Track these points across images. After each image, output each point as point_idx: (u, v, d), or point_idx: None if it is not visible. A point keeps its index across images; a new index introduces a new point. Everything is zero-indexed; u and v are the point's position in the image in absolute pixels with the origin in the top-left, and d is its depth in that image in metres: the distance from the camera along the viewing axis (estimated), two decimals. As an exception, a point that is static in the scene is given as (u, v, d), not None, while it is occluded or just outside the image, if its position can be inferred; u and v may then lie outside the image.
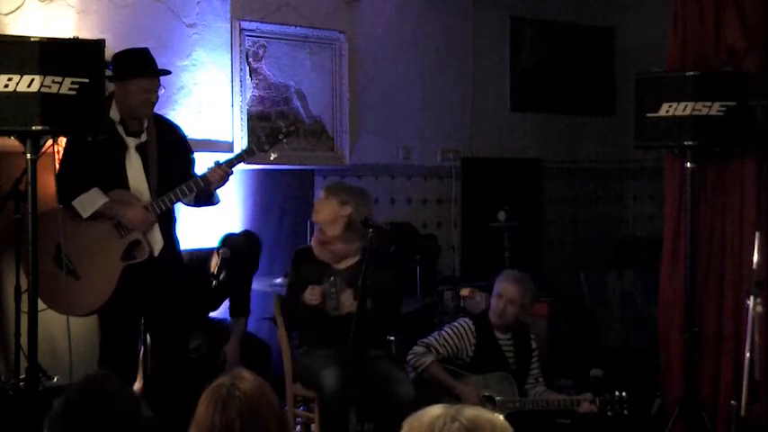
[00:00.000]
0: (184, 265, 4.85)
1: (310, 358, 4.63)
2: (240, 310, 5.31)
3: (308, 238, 6.12)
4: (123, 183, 4.45)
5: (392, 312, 4.82)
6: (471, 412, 1.89)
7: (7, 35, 4.80)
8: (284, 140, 4.67)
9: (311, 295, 4.55)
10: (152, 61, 4.51)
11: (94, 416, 2.15)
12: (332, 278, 4.57)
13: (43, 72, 3.89)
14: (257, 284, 5.48)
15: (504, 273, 5.07)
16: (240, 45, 6.04)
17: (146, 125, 4.51)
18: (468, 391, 4.70)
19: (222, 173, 4.48)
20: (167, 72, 4.66)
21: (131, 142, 4.48)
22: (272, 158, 4.66)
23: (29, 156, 4.04)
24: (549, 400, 4.87)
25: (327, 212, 4.68)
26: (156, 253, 4.49)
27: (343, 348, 4.36)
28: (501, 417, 1.94)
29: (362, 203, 4.71)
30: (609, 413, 4.79)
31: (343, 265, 4.70)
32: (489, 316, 4.96)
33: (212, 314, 5.43)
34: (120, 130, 4.47)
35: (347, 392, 4.39)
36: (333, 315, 4.56)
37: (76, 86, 3.94)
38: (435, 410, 1.91)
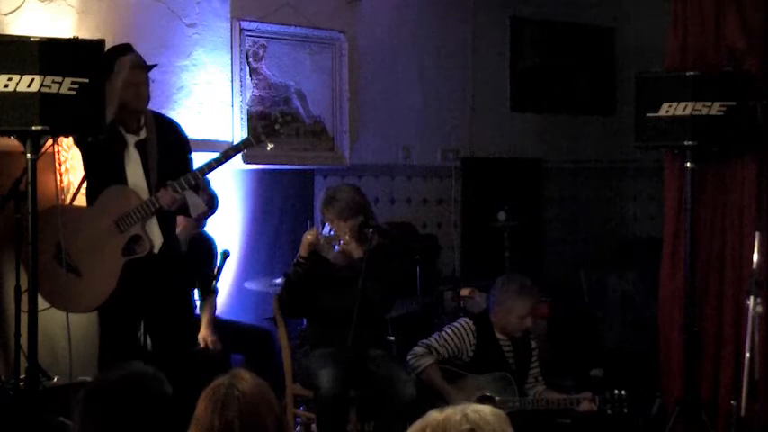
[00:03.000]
0: (185, 264, 4.85)
1: (309, 358, 4.63)
2: (208, 288, 5.35)
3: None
4: (122, 179, 4.46)
5: (393, 295, 4.88)
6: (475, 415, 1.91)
7: (7, 35, 4.80)
8: (281, 130, 4.65)
9: (304, 239, 4.62)
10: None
11: (122, 395, 2.10)
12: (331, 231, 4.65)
13: (43, 72, 3.90)
14: (257, 285, 5.48)
15: (513, 286, 4.89)
16: (240, 45, 6.04)
17: (143, 122, 4.51)
18: (460, 398, 4.65)
19: (170, 197, 4.41)
20: (150, 66, 4.59)
21: (131, 139, 4.48)
22: (269, 148, 4.66)
23: (29, 156, 4.05)
24: (548, 399, 4.87)
25: (347, 232, 4.65)
26: (156, 250, 4.49)
27: (343, 347, 4.37)
28: (488, 408, 1.95)
29: (367, 204, 4.76)
30: (608, 411, 4.79)
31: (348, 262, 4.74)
32: (511, 331, 4.91)
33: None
34: (120, 128, 4.47)
35: (344, 393, 4.40)
36: (331, 260, 4.67)
37: (76, 86, 3.95)
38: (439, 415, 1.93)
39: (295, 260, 4.66)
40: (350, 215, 4.63)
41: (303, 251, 4.62)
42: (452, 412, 1.92)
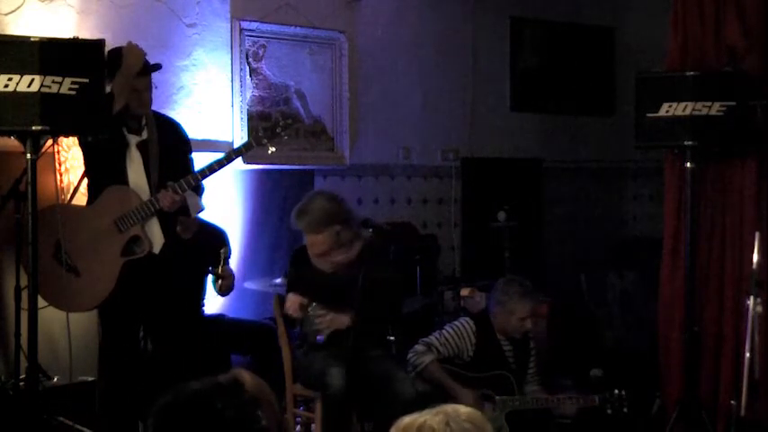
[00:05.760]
0: (187, 263, 4.84)
1: (312, 358, 4.61)
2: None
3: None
4: (123, 180, 4.46)
5: (394, 310, 4.78)
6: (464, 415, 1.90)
7: (7, 35, 4.80)
8: (282, 133, 4.63)
9: (291, 303, 4.45)
10: None
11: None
12: (313, 304, 4.46)
13: (43, 72, 3.90)
14: (257, 285, 5.49)
15: (515, 288, 4.90)
16: (240, 45, 6.04)
17: (144, 122, 4.52)
18: (465, 392, 4.67)
19: (171, 199, 4.40)
20: (157, 67, 4.60)
21: (133, 140, 4.49)
22: (270, 152, 4.64)
23: (29, 156, 4.05)
24: (547, 398, 4.87)
25: (324, 243, 4.47)
26: (157, 250, 4.49)
27: (344, 348, 4.36)
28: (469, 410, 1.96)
29: (342, 212, 4.52)
30: (608, 411, 4.79)
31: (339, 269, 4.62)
32: (511, 333, 4.91)
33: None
34: (122, 128, 4.47)
35: (352, 392, 4.38)
36: (311, 338, 4.53)
37: (76, 86, 3.95)
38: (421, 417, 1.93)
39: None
40: (322, 227, 4.42)
41: (288, 313, 4.50)
42: (425, 417, 1.92)
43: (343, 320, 4.44)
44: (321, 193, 4.65)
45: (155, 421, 1.92)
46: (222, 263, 5.10)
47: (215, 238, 5.28)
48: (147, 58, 4.50)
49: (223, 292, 5.25)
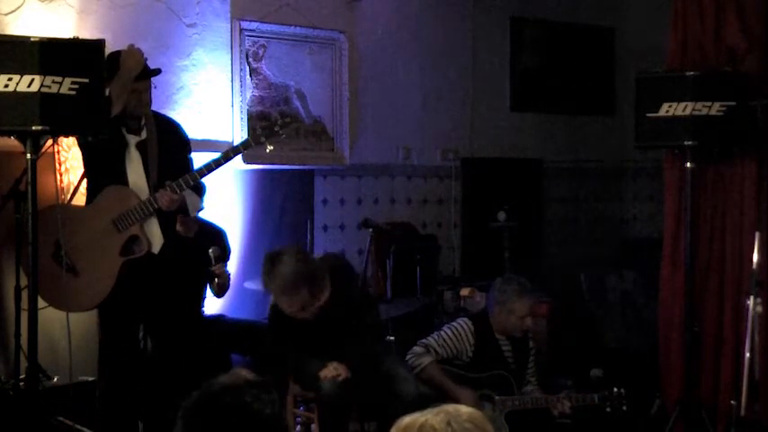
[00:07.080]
0: (186, 263, 4.84)
1: (307, 358, 4.60)
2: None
3: (308, 238, 6.15)
4: (123, 180, 4.46)
5: (377, 319, 4.80)
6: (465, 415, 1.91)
7: (7, 35, 4.80)
8: (280, 131, 4.62)
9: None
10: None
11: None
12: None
13: (43, 72, 3.90)
14: (257, 285, 5.48)
15: (513, 286, 4.89)
16: (240, 45, 6.04)
17: (143, 122, 4.52)
18: (465, 394, 4.65)
19: (169, 198, 4.39)
20: (156, 72, 4.61)
21: (132, 140, 4.49)
22: (268, 150, 4.64)
23: (29, 156, 4.05)
24: (546, 397, 4.86)
25: (299, 303, 4.35)
26: (156, 250, 4.49)
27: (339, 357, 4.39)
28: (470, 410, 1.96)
29: (310, 268, 4.38)
30: (608, 409, 4.79)
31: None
32: (511, 332, 4.91)
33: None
34: (121, 128, 4.47)
35: (347, 393, 4.38)
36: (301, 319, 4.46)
37: (76, 86, 3.95)
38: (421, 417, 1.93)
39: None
40: (295, 290, 4.30)
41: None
42: (426, 417, 1.93)
43: (342, 370, 4.38)
44: (286, 253, 4.36)
45: (186, 413, 1.94)
46: (213, 262, 5.09)
47: (214, 238, 5.28)
48: (146, 61, 4.50)
49: (218, 292, 5.24)
